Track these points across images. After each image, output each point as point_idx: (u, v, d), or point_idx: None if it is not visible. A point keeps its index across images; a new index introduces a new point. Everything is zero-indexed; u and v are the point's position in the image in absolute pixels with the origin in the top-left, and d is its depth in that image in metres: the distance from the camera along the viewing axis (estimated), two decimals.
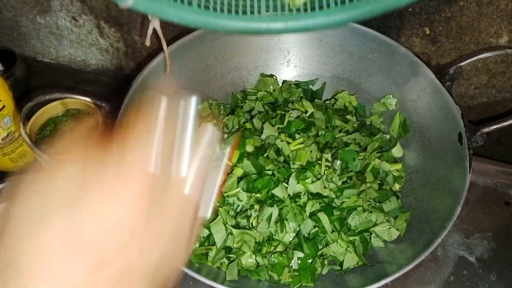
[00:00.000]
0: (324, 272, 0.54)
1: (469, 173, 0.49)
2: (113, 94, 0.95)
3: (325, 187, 0.55)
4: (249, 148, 0.58)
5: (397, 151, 0.62)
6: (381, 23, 0.71)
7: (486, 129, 0.52)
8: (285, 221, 0.53)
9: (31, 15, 0.95)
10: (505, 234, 0.65)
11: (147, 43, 0.38)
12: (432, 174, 0.57)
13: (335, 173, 0.56)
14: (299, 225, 0.54)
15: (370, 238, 0.56)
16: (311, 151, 0.57)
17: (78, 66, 1.03)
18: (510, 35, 0.67)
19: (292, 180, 0.54)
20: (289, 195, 0.55)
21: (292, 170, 0.56)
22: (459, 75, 0.75)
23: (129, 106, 0.56)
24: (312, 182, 0.54)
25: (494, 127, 0.52)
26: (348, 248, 0.53)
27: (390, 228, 0.54)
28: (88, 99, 0.54)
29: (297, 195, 0.55)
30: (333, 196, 0.55)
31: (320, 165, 0.56)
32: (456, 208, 0.47)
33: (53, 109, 0.85)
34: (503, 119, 0.53)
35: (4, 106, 0.76)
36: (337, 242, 0.53)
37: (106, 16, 0.88)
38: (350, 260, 0.53)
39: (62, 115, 0.86)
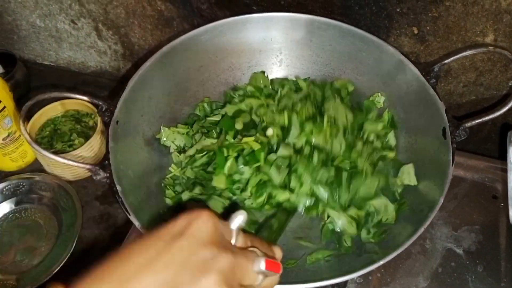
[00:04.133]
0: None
1: (452, 166, 0.51)
2: (111, 95, 0.97)
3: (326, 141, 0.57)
4: (239, 126, 0.60)
5: (391, 139, 0.63)
6: (370, 23, 0.73)
7: (469, 124, 0.54)
8: (297, 172, 0.55)
9: (31, 18, 0.97)
10: (492, 227, 0.67)
11: None
12: (418, 168, 0.59)
13: (339, 131, 0.58)
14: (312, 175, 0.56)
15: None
16: (308, 109, 0.60)
17: (77, 68, 1.05)
18: (496, 33, 0.69)
19: (294, 128, 0.56)
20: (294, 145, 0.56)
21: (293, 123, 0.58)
22: (447, 73, 0.77)
23: (125, 104, 0.58)
24: (314, 133, 0.56)
25: (476, 121, 0.54)
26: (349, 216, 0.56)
27: (387, 205, 0.56)
28: (85, 98, 0.56)
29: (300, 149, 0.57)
30: (338, 149, 0.57)
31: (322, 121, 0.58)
32: (440, 199, 0.49)
33: (53, 110, 0.88)
34: (484, 114, 0.55)
35: (4, 107, 0.78)
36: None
37: (104, 19, 0.90)
38: (349, 226, 0.55)
39: (61, 116, 0.88)
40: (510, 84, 0.75)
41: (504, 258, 0.64)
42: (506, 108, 0.54)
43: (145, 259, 0.32)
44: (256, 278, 0.35)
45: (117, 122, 0.56)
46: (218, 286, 0.31)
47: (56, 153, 0.82)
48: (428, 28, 0.71)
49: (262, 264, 0.35)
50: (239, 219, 0.37)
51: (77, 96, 0.56)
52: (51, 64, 1.07)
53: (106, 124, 0.55)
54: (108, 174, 0.50)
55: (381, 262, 0.46)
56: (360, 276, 0.61)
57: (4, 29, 1.01)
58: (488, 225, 0.67)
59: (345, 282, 0.60)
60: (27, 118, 0.86)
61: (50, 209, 0.80)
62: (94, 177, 0.50)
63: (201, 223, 0.34)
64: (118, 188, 0.49)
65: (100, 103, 0.56)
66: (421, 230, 0.47)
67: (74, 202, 0.79)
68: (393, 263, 0.63)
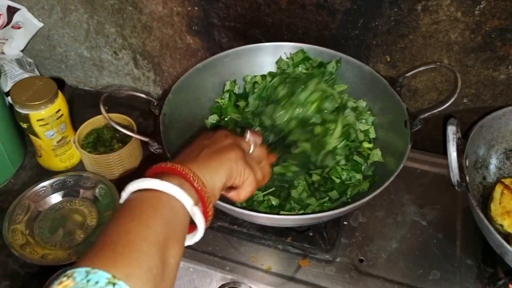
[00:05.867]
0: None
1: (410, 144, 0.70)
2: (143, 115, 1.16)
3: None
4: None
5: (371, 132, 0.82)
6: (354, 53, 0.93)
7: (422, 116, 0.74)
8: None
9: (80, 50, 1.17)
10: (451, 206, 0.84)
11: None
12: (387, 150, 0.78)
13: None
14: None
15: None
16: None
17: (113, 93, 1.24)
18: (449, 59, 0.88)
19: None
20: None
21: None
22: (415, 93, 0.97)
23: (169, 103, 0.78)
24: None
25: (428, 113, 0.74)
26: None
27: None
28: (143, 95, 0.77)
29: None
30: None
31: None
32: (400, 166, 0.67)
33: (97, 121, 1.06)
34: (433, 108, 0.75)
35: (62, 115, 0.97)
36: None
37: (141, 51, 1.11)
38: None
39: (104, 126, 1.06)
40: (464, 101, 0.95)
41: (459, 228, 0.81)
42: (449, 103, 0.74)
43: (198, 147, 0.56)
44: (250, 146, 0.61)
45: (164, 114, 0.76)
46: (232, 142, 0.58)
47: (98, 154, 1.01)
48: (397, 56, 0.92)
49: (248, 133, 0.62)
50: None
51: (138, 94, 0.76)
52: (90, 89, 1.26)
53: (157, 116, 0.75)
54: (160, 146, 0.69)
55: (352, 206, 0.64)
56: (345, 238, 0.78)
57: (56, 59, 1.22)
58: (447, 205, 0.84)
59: (335, 240, 0.77)
60: (75, 128, 1.04)
61: (91, 200, 0.97)
62: (150, 148, 0.69)
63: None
64: (168, 154, 0.68)
65: (153, 99, 0.76)
66: (386, 184, 0.65)
67: (113, 194, 0.96)
68: (372, 230, 0.80)
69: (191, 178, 0.48)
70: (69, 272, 0.37)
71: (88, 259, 0.39)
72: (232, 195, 0.58)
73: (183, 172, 0.48)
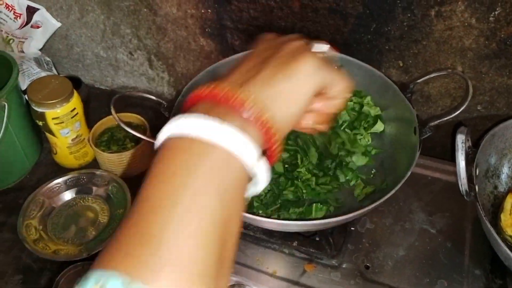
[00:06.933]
0: None
1: (419, 151, 0.69)
2: (155, 114, 1.17)
3: None
4: None
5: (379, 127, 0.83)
6: (365, 57, 0.93)
7: (432, 123, 0.73)
8: None
9: (96, 50, 1.20)
10: (460, 214, 0.83)
11: None
12: (394, 157, 0.78)
13: None
14: None
15: None
16: None
17: (128, 92, 1.27)
18: (463, 66, 0.88)
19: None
20: None
21: None
22: (428, 99, 0.96)
23: (179, 105, 0.79)
24: None
25: (438, 121, 0.73)
26: None
27: None
28: (153, 97, 0.78)
29: None
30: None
31: None
32: (408, 172, 0.67)
33: (110, 121, 1.08)
34: (443, 115, 0.74)
35: (77, 113, 0.99)
36: None
37: (156, 52, 1.13)
38: None
39: (117, 126, 1.08)
40: (478, 108, 0.94)
41: (468, 237, 0.80)
42: (459, 110, 0.73)
43: (257, 61, 0.42)
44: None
45: (174, 115, 0.77)
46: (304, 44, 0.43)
47: (112, 153, 1.03)
48: (410, 62, 0.91)
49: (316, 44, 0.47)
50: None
51: (148, 96, 0.78)
52: (106, 88, 1.29)
53: (167, 117, 0.76)
54: None
55: (360, 212, 0.63)
56: (352, 244, 0.78)
57: (73, 58, 1.24)
58: (457, 213, 0.83)
59: (341, 246, 0.77)
60: (90, 127, 1.07)
61: (104, 198, 0.99)
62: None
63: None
64: None
65: (163, 101, 0.77)
66: (390, 194, 0.64)
67: (125, 192, 0.97)
68: (379, 237, 0.80)
69: (258, 117, 0.33)
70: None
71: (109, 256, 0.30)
72: (321, 106, 0.43)
73: (245, 105, 0.33)
